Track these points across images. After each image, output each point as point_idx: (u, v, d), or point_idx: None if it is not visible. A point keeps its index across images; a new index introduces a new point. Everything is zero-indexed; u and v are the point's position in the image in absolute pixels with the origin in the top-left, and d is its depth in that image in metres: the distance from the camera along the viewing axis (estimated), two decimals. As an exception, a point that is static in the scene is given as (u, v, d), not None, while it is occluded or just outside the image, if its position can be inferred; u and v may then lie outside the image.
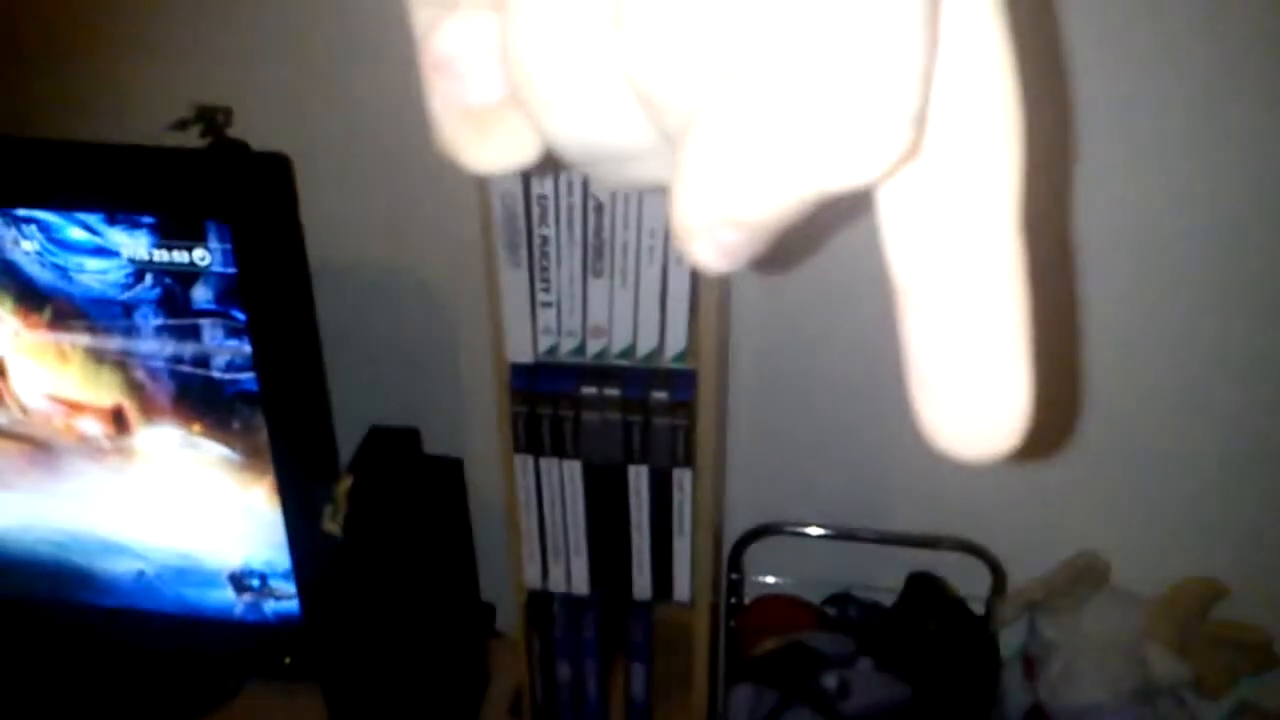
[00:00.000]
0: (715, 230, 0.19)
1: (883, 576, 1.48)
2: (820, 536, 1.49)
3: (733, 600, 1.46)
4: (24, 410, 1.28)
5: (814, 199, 0.19)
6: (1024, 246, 0.21)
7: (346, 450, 1.33)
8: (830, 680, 1.30)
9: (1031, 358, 0.21)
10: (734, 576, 1.46)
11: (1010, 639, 1.46)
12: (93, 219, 1.15)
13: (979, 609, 1.43)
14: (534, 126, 0.21)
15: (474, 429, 1.44)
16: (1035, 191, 0.21)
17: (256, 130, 1.14)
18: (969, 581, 1.45)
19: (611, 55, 0.19)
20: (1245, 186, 1.24)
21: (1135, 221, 1.29)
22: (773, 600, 1.50)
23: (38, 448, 1.30)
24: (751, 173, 0.18)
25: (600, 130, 0.20)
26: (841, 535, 1.49)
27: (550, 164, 0.22)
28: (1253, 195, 1.25)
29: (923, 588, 1.43)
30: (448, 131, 0.23)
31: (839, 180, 0.19)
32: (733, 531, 1.48)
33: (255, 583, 1.35)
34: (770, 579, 1.52)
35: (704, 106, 0.18)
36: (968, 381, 0.21)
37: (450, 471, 1.34)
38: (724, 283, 1.13)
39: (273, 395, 1.22)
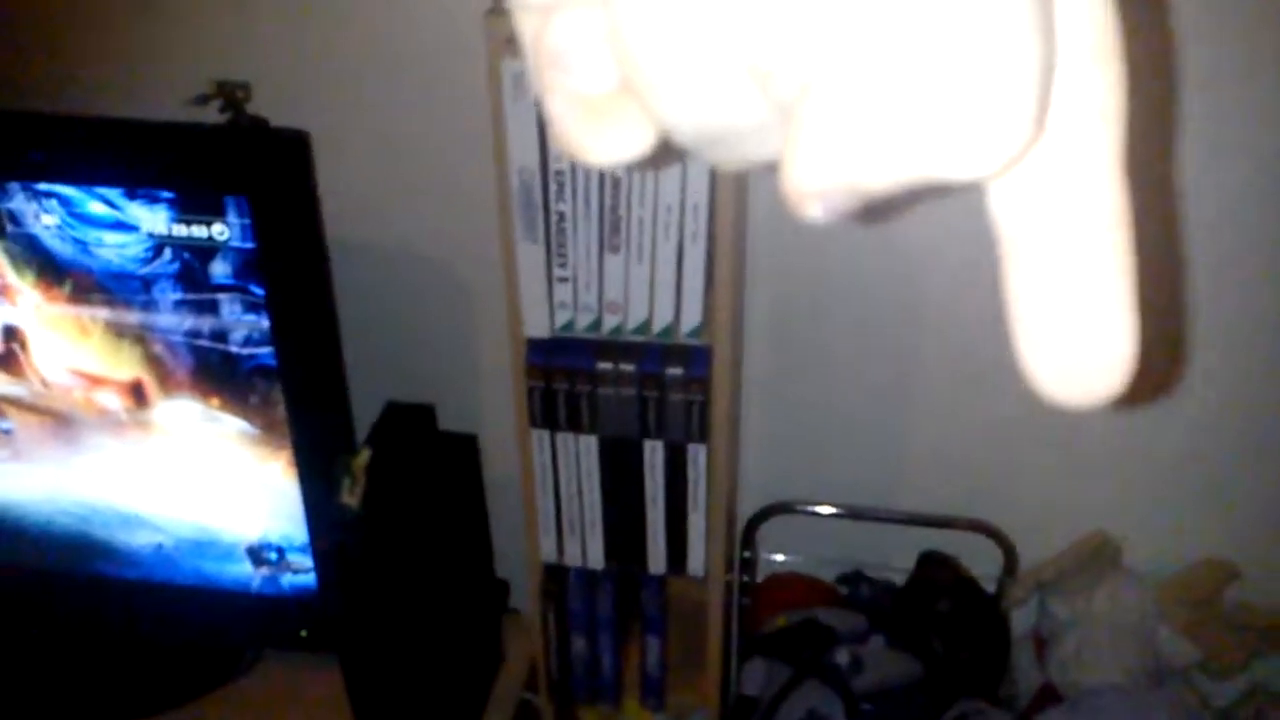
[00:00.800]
0: (828, 195, 0.20)
1: (895, 555, 1.49)
2: (833, 515, 1.49)
3: (745, 578, 1.47)
4: (45, 383, 1.29)
5: (930, 182, 0.20)
6: (1128, 194, 0.21)
7: (362, 426, 1.34)
8: (843, 656, 1.31)
9: (1136, 305, 0.22)
10: (747, 554, 1.47)
11: (1021, 619, 1.47)
12: (113, 194, 1.16)
13: (990, 588, 1.44)
14: (648, 112, 0.22)
15: (489, 405, 1.45)
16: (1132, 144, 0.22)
17: (276, 106, 1.15)
18: (981, 561, 1.46)
19: (721, 29, 0.19)
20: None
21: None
22: (785, 577, 1.51)
23: (58, 420, 1.31)
24: (872, 149, 0.19)
25: (712, 109, 0.21)
26: (854, 514, 1.49)
27: (661, 154, 0.23)
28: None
29: (934, 566, 1.43)
30: (566, 126, 0.23)
31: (957, 171, 0.19)
32: (746, 509, 1.48)
33: (273, 556, 1.36)
34: (782, 556, 1.53)
35: (823, 75, 0.19)
36: (1073, 329, 0.22)
37: (465, 447, 1.34)
38: (739, 258, 1.14)
39: (290, 370, 1.23)
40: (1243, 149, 1.24)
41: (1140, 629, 1.37)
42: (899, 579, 1.48)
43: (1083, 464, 1.46)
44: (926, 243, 1.35)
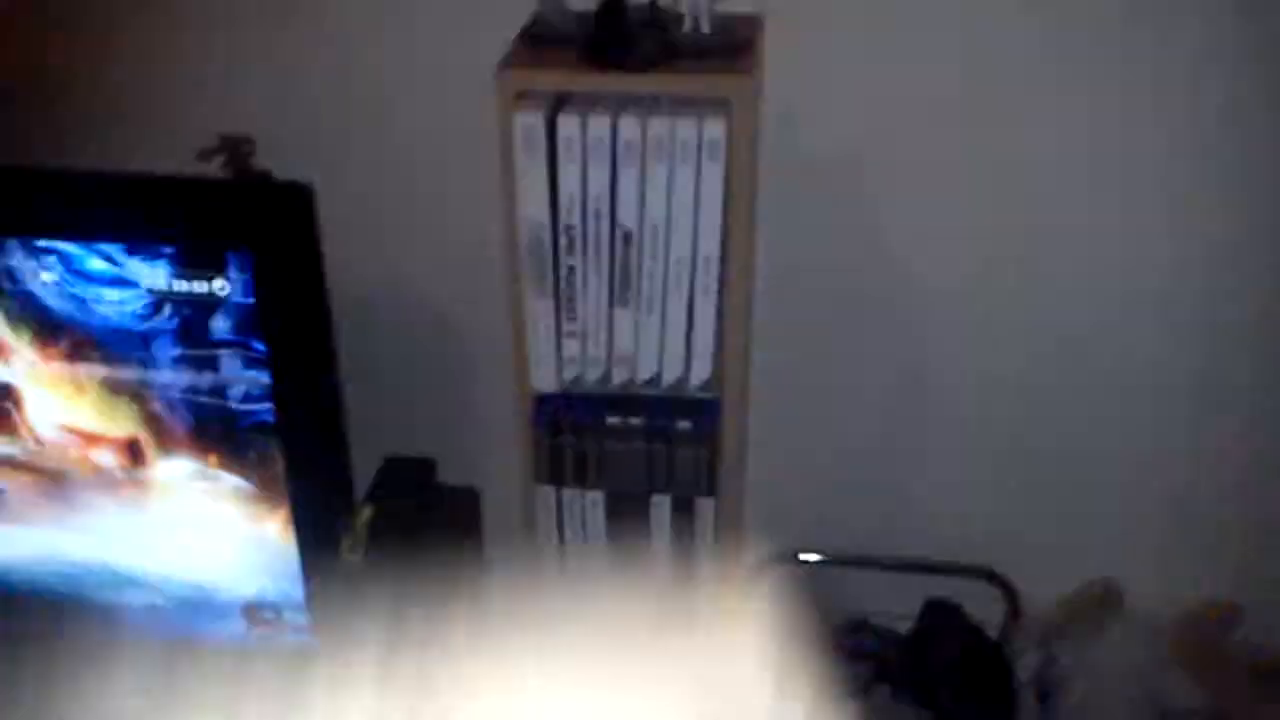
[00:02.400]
0: None
1: (898, 603, 1.48)
2: (836, 563, 1.48)
3: (748, 629, 1.45)
4: (39, 441, 1.26)
5: None
6: None
7: (361, 477, 1.32)
8: (851, 710, 1.30)
9: None
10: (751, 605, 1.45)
11: (1025, 666, 1.46)
12: (113, 249, 1.14)
13: (994, 635, 1.43)
14: None
15: (490, 458, 1.43)
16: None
17: (281, 160, 1.14)
18: (984, 608, 1.45)
19: None
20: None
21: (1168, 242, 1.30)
22: (788, 628, 1.50)
23: (52, 479, 1.29)
24: None
25: None
26: (856, 562, 1.48)
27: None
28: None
29: (940, 614, 1.42)
30: None
31: None
32: (747, 559, 1.47)
33: (269, 614, 1.34)
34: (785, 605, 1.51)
35: None
36: None
37: (467, 501, 1.33)
38: (748, 312, 1.13)
39: (290, 426, 1.21)
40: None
41: (1146, 675, 1.37)
42: (903, 626, 1.47)
43: (1085, 509, 1.46)
44: (927, 297, 1.35)
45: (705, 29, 1.02)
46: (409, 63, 1.29)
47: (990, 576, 1.45)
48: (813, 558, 1.48)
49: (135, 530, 1.30)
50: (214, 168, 1.14)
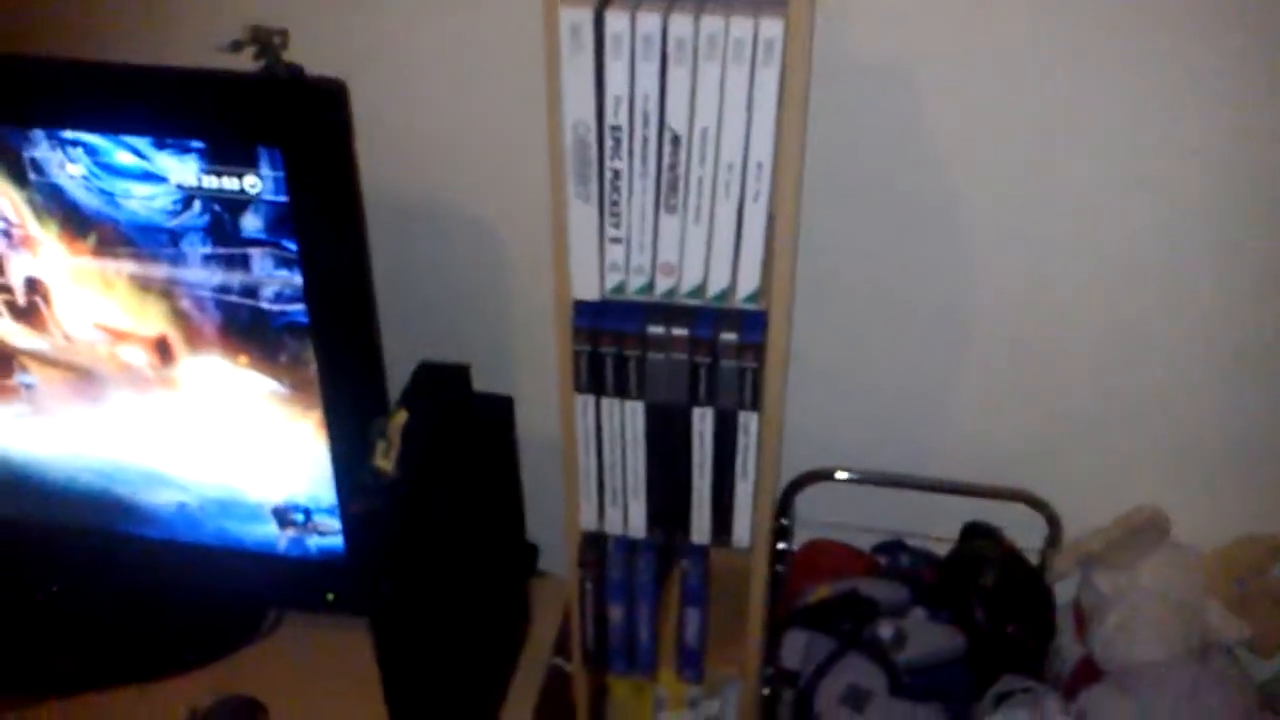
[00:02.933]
0: None
1: (934, 525, 1.45)
2: (872, 482, 1.46)
3: (782, 545, 1.44)
4: (68, 337, 1.24)
5: None
6: None
7: (394, 385, 1.30)
8: (886, 630, 1.28)
9: None
10: (784, 521, 1.44)
11: (1061, 591, 1.44)
12: (141, 143, 1.11)
13: (1034, 560, 1.41)
14: None
15: (526, 365, 1.41)
16: None
17: (313, 54, 1.10)
18: (1024, 532, 1.42)
19: None
20: None
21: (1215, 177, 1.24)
22: (823, 545, 1.48)
23: (81, 376, 1.27)
24: None
25: None
26: (893, 482, 1.46)
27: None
28: None
29: (979, 538, 1.40)
30: None
31: None
32: (783, 476, 1.45)
33: (299, 518, 1.33)
34: (818, 524, 1.49)
35: None
36: None
37: (501, 409, 1.30)
38: (798, 223, 1.09)
39: (323, 328, 1.19)
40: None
41: (1186, 604, 1.34)
42: (939, 549, 1.45)
43: (1130, 436, 1.42)
44: (975, 214, 1.31)
45: (763, -79, 0.97)
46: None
47: (1031, 501, 1.42)
48: (847, 476, 1.46)
49: (164, 429, 1.29)
50: (243, 61, 1.09)
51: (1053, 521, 1.42)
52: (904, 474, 1.46)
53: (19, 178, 1.14)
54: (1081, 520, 1.40)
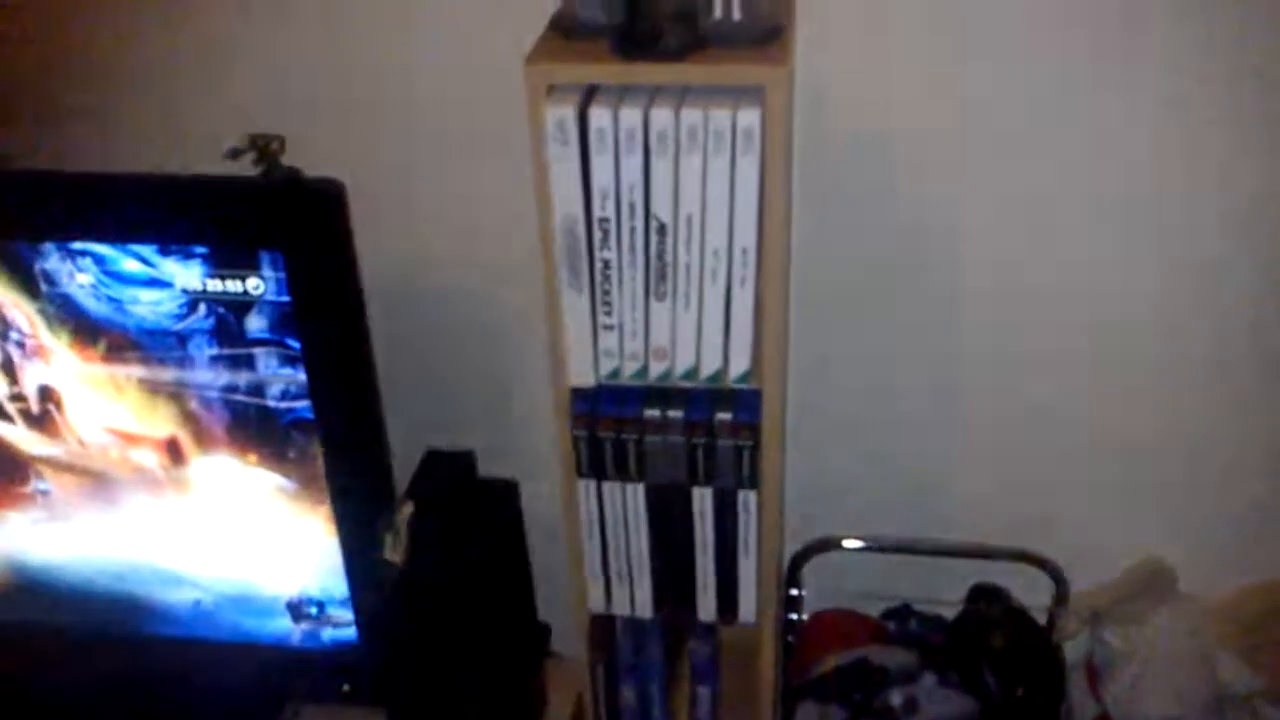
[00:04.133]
0: None
1: (941, 589, 1.46)
2: (877, 550, 1.47)
3: (790, 616, 1.44)
4: (81, 442, 1.27)
5: None
6: None
7: (400, 471, 1.32)
8: (896, 698, 1.29)
9: None
10: (792, 592, 1.45)
11: (1073, 648, 1.44)
12: (146, 250, 1.15)
13: (1041, 619, 1.41)
14: None
15: (529, 451, 1.43)
16: None
17: (311, 157, 1.14)
18: (1030, 592, 1.43)
19: None
20: None
21: (1207, 229, 1.27)
22: (831, 615, 1.49)
23: (95, 479, 1.30)
24: None
25: None
26: (899, 548, 1.47)
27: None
28: None
29: (985, 599, 1.41)
30: None
31: None
32: (788, 547, 1.46)
33: (313, 610, 1.34)
34: (826, 594, 1.50)
35: None
36: None
37: (506, 494, 1.32)
38: (786, 302, 1.12)
39: (328, 423, 1.21)
40: None
41: (1197, 657, 1.35)
42: (947, 612, 1.45)
43: (1130, 491, 1.44)
44: (968, 279, 1.33)
45: (736, 16, 1.00)
46: (436, 57, 1.28)
47: (1035, 560, 1.43)
48: (855, 545, 1.47)
49: (177, 528, 1.31)
50: (242, 167, 1.13)
51: (1058, 580, 1.43)
52: (910, 539, 1.47)
53: (31, 290, 1.18)
54: (1087, 577, 1.41)
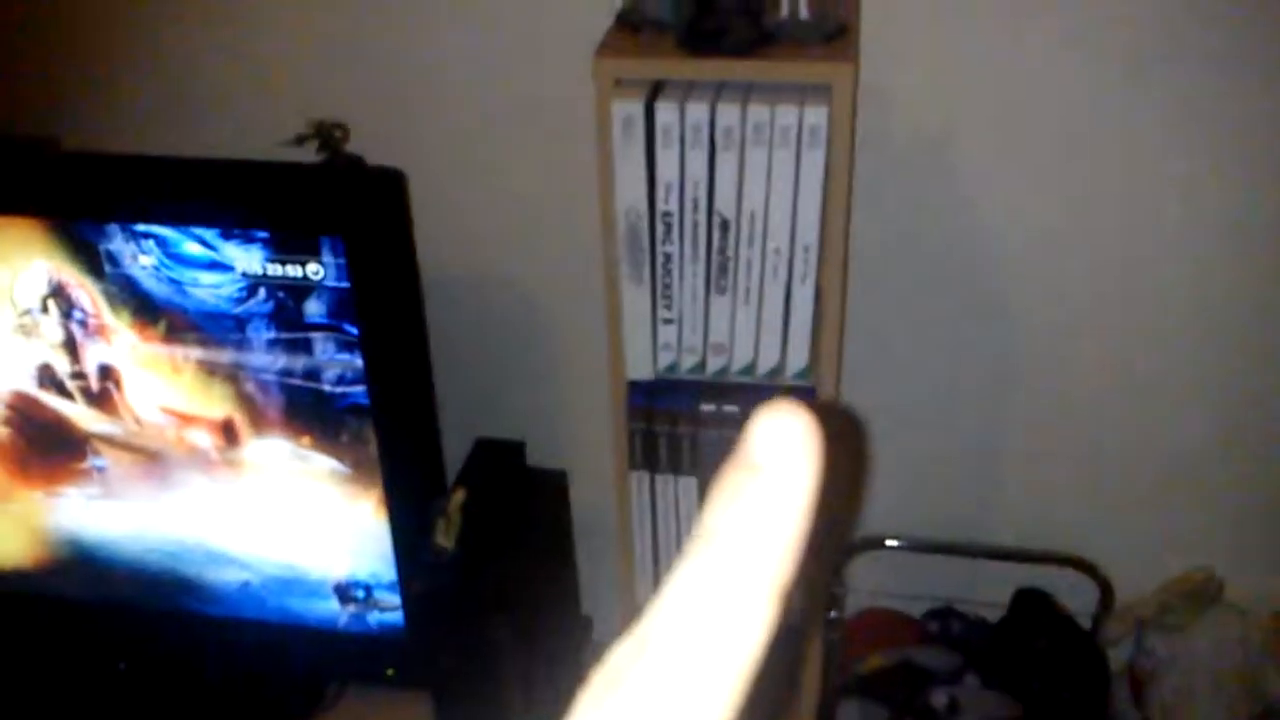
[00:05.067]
0: None
1: (985, 591, 1.46)
2: (921, 550, 1.47)
3: (835, 613, 1.45)
4: (138, 421, 1.29)
5: None
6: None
7: (450, 459, 1.33)
8: (940, 698, 1.29)
9: None
10: (836, 590, 1.45)
11: (1116, 656, 1.44)
12: (209, 234, 1.16)
13: (1086, 625, 1.41)
14: None
15: (580, 442, 1.43)
16: None
17: (375, 145, 1.15)
18: (1075, 597, 1.43)
19: None
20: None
21: (1234, 228, 1.26)
22: (876, 614, 1.49)
23: (150, 458, 1.31)
24: None
25: None
26: (944, 549, 1.47)
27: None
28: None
29: (1031, 604, 1.41)
30: None
31: None
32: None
33: (360, 594, 1.35)
34: (871, 591, 1.50)
35: None
36: None
37: (555, 485, 1.33)
38: (844, 301, 1.12)
39: (384, 409, 1.22)
40: None
41: (1244, 668, 1.34)
42: (989, 615, 1.45)
43: (1179, 497, 1.43)
44: (1025, 278, 1.33)
45: (804, 14, 1.00)
46: (501, 49, 1.29)
47: (1082, 565, 1.42)
48: (898, 544, 1.47)
49: (229, 509, 1.33)
50: (307, 153, 1.14)
51: (1104, 586, 1.42)
52: (955, 540, 1.47)
53: (95, 270, 1.19)
54: (1133, 584, 1.40)
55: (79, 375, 1.27)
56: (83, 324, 1.23)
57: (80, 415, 1.30)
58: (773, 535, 0.24)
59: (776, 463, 0.25)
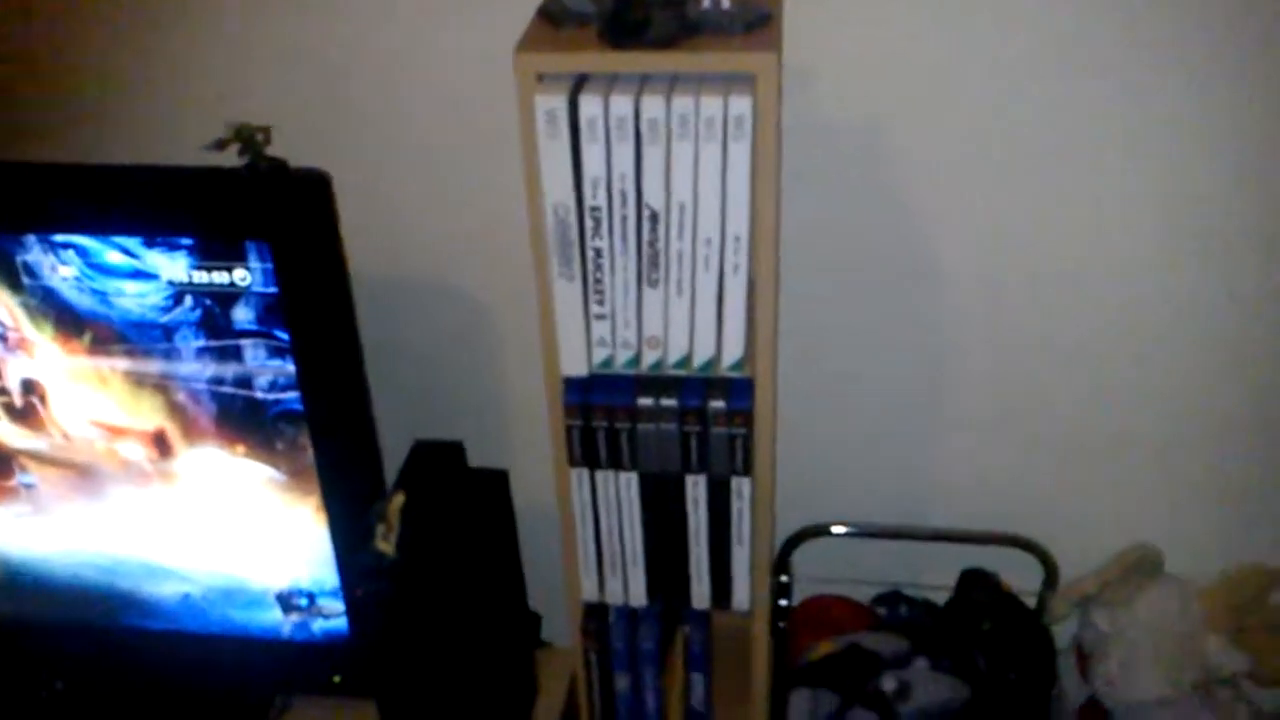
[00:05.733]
0: None
1: (931, 574, 1.47)
2: (867, 535, 1.47)
3: (781, 602, 1.45)
4: (66, 436, 1.26)
5: None
6: None
7: (389, 463, 1.32)
8: (889, 683, 1.29)
9: None
10: (782, 579, 1.45)
11: (1062, 632, 1.45)
12: (130, 242, 1.13)
13: (1031, 604, 1.42)
14: None
15: (520, 440, 1.42)
16: None
17: (298, 148, 1.12)
18: (1019, 576, 1.44)
19: None
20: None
21: (1192, 202, 1.27)
22: (822, 601, 1.49)
23: (80, 473, 1.29)
24: None
25: None
26: (889, 534, 1.47)
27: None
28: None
29: (976, 584, 1.41)
30: None
31: None
32: (779, 533, 1.46)
33: (303, 602, 1.34)
34: (816, 579, 1.50)
35: None
36: None
37: (496, 484, 1.32)
38: (777, 289, 1.12)
39: (318, 414, 1.20)
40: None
41: (1186, 639, 1.36)
42: (936, 597, 1.46)
43: (1119, 474, 1.44)
44: (958, 258, 1.33)
45: (725, 3, 1.00)
46: (422, 46, 1.28)
47: (1025, 545, 1.43)
48: (844, 530, 1.47)
49: (165, 521, 1.30)
50: (229, 158, 1.12)
51: (1048, 564, 1.43)
52: (899, 525, 1.48)
53: (13, 282, 1.17)
54: (1076, 561, 1.41)
55: (1, 391, 1.24)
56: (2, 339, 1.20)
57: (4, 432, 1.27)
58: None
59: None
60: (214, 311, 1.15)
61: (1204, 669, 1.35)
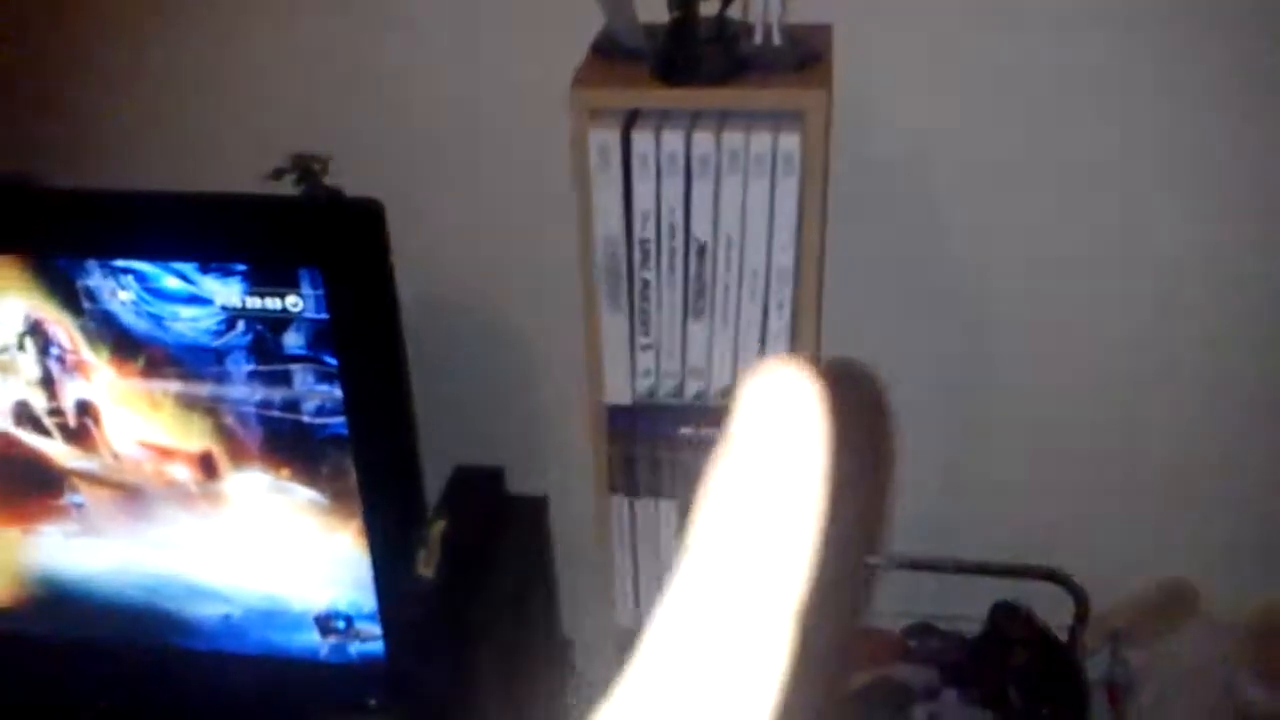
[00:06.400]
0: None
1: (962, 606, 1.47)
2: (899, 567, 1.48)
3: (814, 633, 1.45)
4: (116, 456, 1.28)
5: None
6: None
7: (430, 487, 1.34)
8: (920, 715, 1.30)
9: None
10: (815, 609, 1.46)
11: (1093, 667, 1.45)
12: (187, 268, 1.16)
13: (1062, 637, 1.43)
14: None
15: (560, 468, 1.44)
16: None
17: (355, 177, 1.15)
18: (1052, 610, 1.44)
19: None
20: None
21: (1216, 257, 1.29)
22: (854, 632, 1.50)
23: (128, 493, 1.31)
24: None
25: None
26: (920, 565, 1.48)
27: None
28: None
29: (1007, 618, 1.42)
30: None
31: None
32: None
33: (341, 624, 1.35)
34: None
35: None
36: None
37: (535, 511, 1.34)
38: (820, 323, 1.13)
39: (363, 440, 1.22)
40: None
41: (1220, 675, 1.36)
42: (968, 629, 1.46)
43: (1153, 508, 1.45)
44: (991, 298, 1.35)
45: (776, 40, 1.02)
46: (478, 81, 1.30)
47: (1057, 578, 1.44)
48: (876, 561, 1.48)
49: (209, 542, 1.32)
50: (286, 187, 1.15)
51: (1079, 598, 1.43)
52: (931, 557, 1.48)
53: (73, 306, 1.19)
54: (1108, 595, 1.42)
55: (56, 412, 1.26)
56: (60, 360, 1.23)
57: (58, 452, 1.29)
58: (780, 541, 0.20)
59: (774, 444, 0.20)
60: (265, 336, 1.18)
61: (1238, 707, 1.35)
